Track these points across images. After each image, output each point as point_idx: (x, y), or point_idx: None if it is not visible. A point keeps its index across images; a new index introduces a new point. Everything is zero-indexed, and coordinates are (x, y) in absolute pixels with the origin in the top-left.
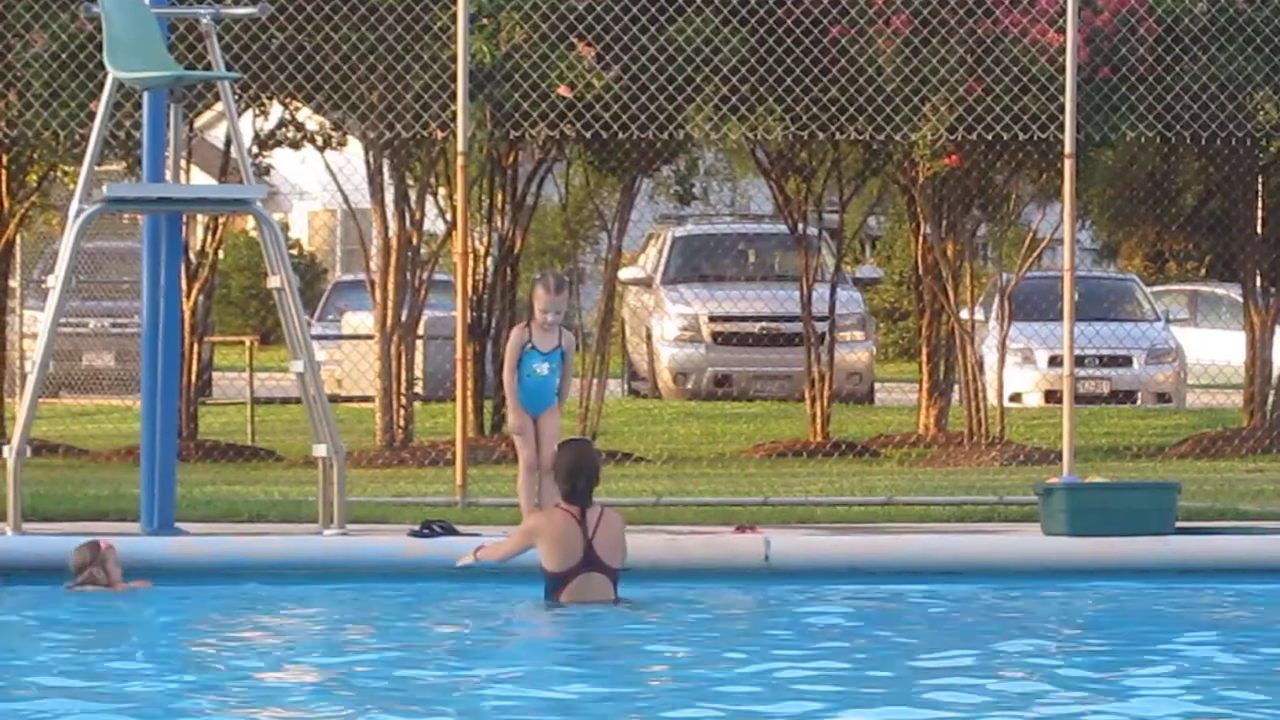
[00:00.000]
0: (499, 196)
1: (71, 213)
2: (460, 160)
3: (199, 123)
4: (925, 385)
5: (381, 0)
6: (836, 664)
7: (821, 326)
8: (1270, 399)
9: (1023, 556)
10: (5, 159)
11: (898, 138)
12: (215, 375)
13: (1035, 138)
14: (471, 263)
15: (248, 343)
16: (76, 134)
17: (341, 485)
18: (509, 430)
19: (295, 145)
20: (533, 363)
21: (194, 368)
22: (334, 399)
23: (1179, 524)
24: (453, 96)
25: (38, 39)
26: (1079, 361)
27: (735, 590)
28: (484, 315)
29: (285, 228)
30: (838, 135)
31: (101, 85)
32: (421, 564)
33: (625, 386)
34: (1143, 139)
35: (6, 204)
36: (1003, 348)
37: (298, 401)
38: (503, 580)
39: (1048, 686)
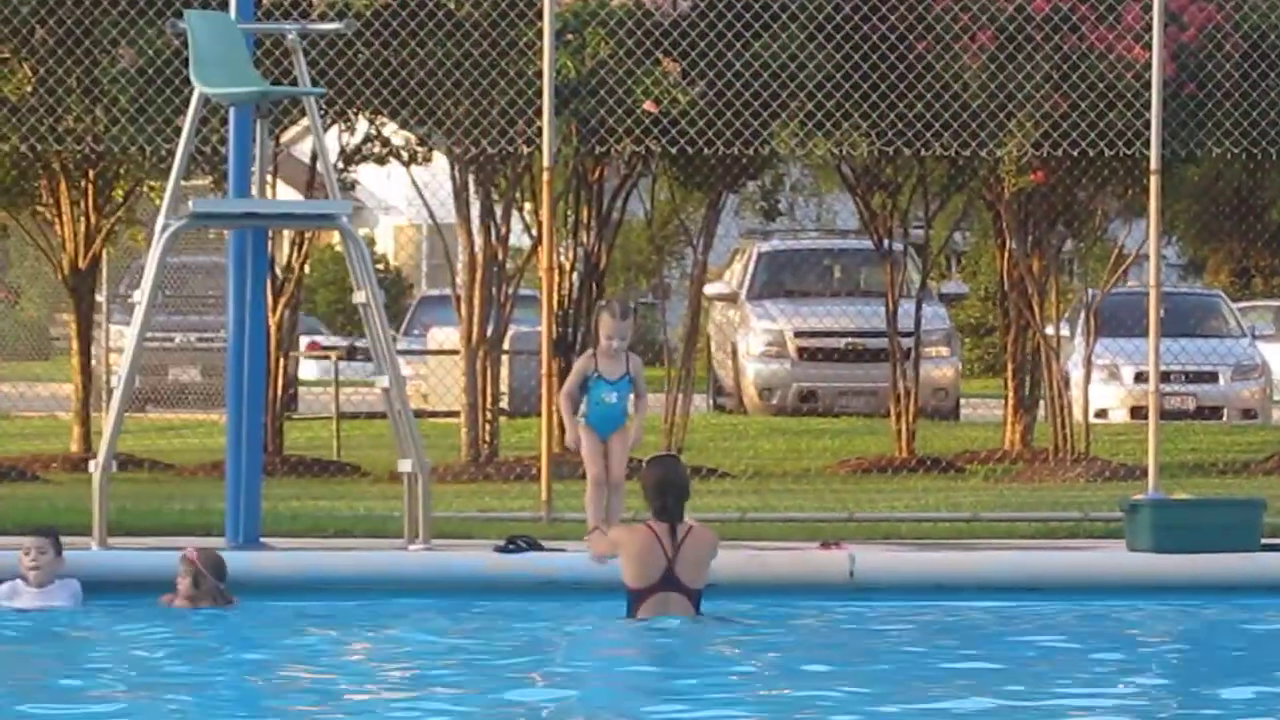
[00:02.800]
0: (584, 212)
1: (158, 228)
2: (546, 175)
3: (285, 138)
4: (1011, 401)
5: (467, 15)
6: (916, 682)
7: (907, 342)
8: None
9: (1108, 573)
10: (92, 174)
11: (983, 153)
12: (301, 390)
13: (1121, 153)
14: (557, 278)
15: (333, 358)
16: (163, 149)
17: (426, 500)
18: (568, 443)
19: (381, 160)
20: (600, 392)
21: (279, 382)
22: (419, 414)
23: (1265, 540)
24: (538, 112)
25: (125, 54)
26: (1164, 377)
27: (819, 606)
28: (569, 330)
29: (371, 242)
30: (923, 151)
31: (188, 100)
32: (506, 579)
33: (710, 402)
34: (1228, 155)
35: (93, 219)
36: (1088, 364)
37: (383, 416)
38: (585, 596)
39: (1142, 702)
